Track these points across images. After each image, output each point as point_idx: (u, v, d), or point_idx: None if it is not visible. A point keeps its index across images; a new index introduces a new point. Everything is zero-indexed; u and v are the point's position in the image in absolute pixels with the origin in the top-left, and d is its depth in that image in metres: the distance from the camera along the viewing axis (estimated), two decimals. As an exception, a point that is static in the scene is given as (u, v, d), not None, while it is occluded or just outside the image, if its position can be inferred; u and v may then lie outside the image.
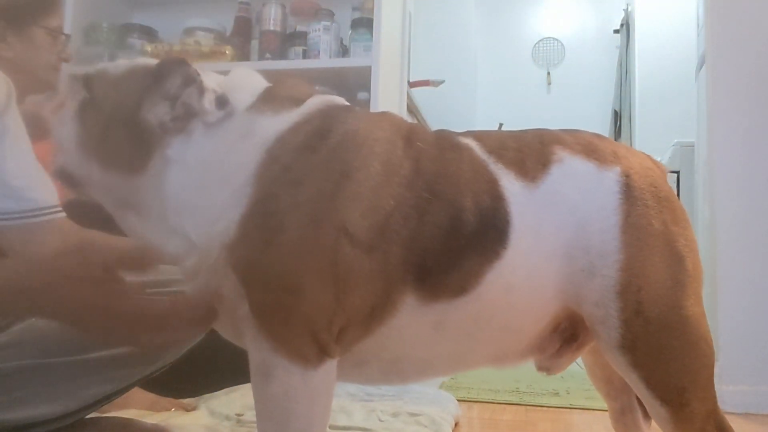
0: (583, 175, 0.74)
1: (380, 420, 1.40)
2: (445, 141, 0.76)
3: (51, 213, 0.95)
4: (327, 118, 0.72)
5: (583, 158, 0.76)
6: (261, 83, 0.76)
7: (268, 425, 0.68)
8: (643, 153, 0.82)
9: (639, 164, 0.77)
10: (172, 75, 0.71)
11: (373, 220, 0.67)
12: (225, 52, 2.12)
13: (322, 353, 0.67)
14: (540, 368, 0.81)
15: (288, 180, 0.67)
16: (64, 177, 0.77)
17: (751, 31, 2.06)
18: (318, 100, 0.75)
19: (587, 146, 0.77)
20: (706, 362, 0.72)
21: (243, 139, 0.70)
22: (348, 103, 0.78)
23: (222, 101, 0.71)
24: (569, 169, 0.75)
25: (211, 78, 0.74)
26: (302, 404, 0.67)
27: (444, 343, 0.74)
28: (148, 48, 2.19)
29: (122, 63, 0.77)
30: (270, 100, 0.73)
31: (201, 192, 0.70)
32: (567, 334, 0.78)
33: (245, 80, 0.76)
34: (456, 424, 1.53)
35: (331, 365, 0.69)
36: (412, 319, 0.70)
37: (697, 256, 0.76)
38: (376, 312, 0.69)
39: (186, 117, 0.71)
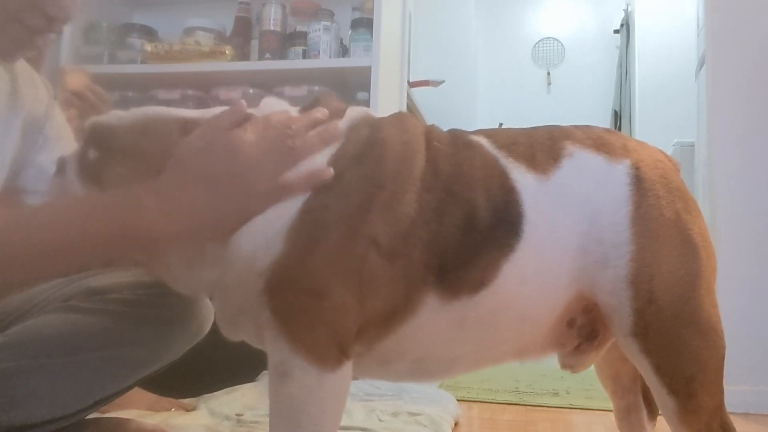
0: (594, 168, 0.75)
1: (380, 420, 1.40)
2: (459, 140, 0.78)
3: None
4: (370, 127, 0.75)
5: (593, 152, 0.77)
6: (291, 108, 0.78)
7: (281, 423, 0.69)
8: (655, 147, 0.83)
9: (649, 156, 0.78)
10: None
11: (399, 227, 0.69)
12: (225, 52, 2.12)
13: (341, 356, 0.69)
14: (564, 366, 0.82)
15: (338, 190, 0.69)
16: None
17: (751, 31, 2.06)
18: (357, 111, 0.78)
19: (597, 140, 0.78)
20: (715, 353, 0.72)
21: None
22: (372, 113, 0.80)
23: None
24: (580, 163, 0.76)
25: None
26: (316, 405, 0.68)
27: (468, 339, 0.75)
28: (148, 48, 2.18)
29: (134, 114, 0.76)
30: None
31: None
32: (586, 332, 0.79)
33: (278, 106, 0.78)
34: (456, 424, 1.53)
35: (347, 368, 0.70)
36: (435, 317, 0.72)
37: (710, 246, 0.76)
38: (398, 312, 0.71)
39: None
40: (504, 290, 0.72)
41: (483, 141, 0.77)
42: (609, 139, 0.79)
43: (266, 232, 0.69)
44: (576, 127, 0.81)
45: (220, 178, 0.67)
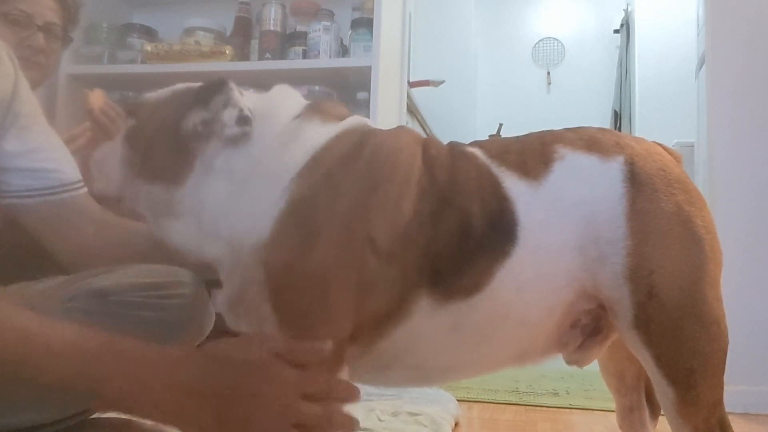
0: (587, 169, 0.76)
1: (380, 420, 1.40)
2: (455, 150, 0.79)
3: (74, 189, 0.95)
4: (364, 133, 0.77)
5: (584, 152, 0.77)
6: (302, 99, 0.83)
7: None
8: (653, 141, 0.83)
9: (645, 151, 0.78)
10: (211, 90, 0.77)
11: (395, 229, 0.70)
12: (225, 52, 2.12)
13: (338, 353, 0.70)
14: (569, 362, 0.83)
15: (329, 186, 0.71)
16: (105, 199, 0.84)
17: (751, 31, 2.06)
18: (356, 119, 0.80)
19: (588, 140, 0.78)
20: (716, 347, 0.72)
21: (291, 142, 0.74)
22: (370, 123, 0.84)
23: (243, 120, 0.75)
24: (572, 165, 0.76)
25: (250, 98, 0.80)
26: None
27: (465, 346, 0.76)
28: (148, 48, 2.18)
29: (166, 89, 0.84)
30: (316, 112, 0.79)
31: (243, 196, 0.73)
32: (589, 329, 0.79)
33: (288, 95, 0.83)
34: (456, 424, 1.52)
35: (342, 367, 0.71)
36: (429, 320, 0.72)
37: (715, 238, 0.76)
38: (391, 315, 0.71)
39: (214, 123, 0.76)
40: (501, 297, 0.72)
41: (477, 151, 0.79)
42: (601, 138, 0.79)
43: (258, 218, 0.71)
44: (569, 129, 0.82)
45: (232, 408, 0.65)
